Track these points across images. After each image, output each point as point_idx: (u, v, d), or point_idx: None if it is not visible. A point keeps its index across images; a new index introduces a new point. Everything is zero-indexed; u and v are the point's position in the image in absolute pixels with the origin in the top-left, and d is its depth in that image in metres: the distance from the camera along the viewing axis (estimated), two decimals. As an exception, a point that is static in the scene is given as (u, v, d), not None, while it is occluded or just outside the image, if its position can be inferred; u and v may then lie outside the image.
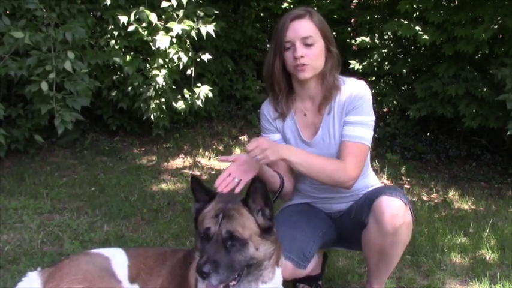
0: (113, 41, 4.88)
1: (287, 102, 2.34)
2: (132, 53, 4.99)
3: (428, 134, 6.25)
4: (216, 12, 5.27)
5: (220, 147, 5.81)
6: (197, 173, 4.94)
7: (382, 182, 4.93)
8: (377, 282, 2.39)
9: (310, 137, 2.34)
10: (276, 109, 2.37)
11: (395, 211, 2.09)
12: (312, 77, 2.25)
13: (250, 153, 2.00)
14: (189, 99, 5.33)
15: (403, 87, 6.34)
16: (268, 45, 6.24)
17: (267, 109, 2.42)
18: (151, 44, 4.86)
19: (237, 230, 1.75)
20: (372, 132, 2.27)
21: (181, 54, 4.98)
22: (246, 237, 1.76)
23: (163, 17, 4.92)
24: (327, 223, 2.44)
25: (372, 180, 2.47)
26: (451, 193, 4.87)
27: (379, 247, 2.18)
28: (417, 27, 5.30)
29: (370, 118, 2.26)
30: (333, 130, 2.29)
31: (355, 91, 2.28)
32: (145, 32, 4.84)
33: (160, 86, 4.99)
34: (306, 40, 2.18)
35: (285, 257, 2.11)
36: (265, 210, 1.84)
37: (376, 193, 2.15)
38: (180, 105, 5.31)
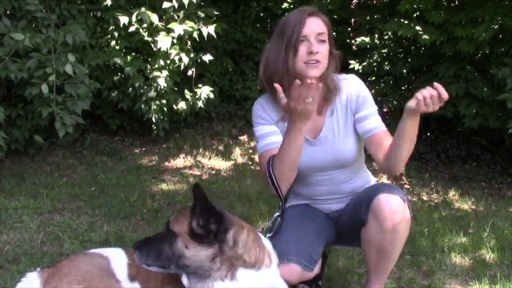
0: (113, 42, 4.88)
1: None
2: (133, 54, 4.99)
3: (428, 134, 6.24)
4: (216, 13, 5.27)
5: (220, 147, 5.81)
6: (197, 173, 4.95)
7: (383, 182, 4.92)
8: (377, 281, 2.39)
9: (311, 136, 2.34)
10: (279, 109, 2.26)
11: (395, 208, 2.09)
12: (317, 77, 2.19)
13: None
14: (190, 100, 5.33)
15: (403, 87, 6.32)
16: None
17: (267, 105, 2.32)
18: (152, 44, 4.86)
19: (172, 221, 1.85)
20: None
21: (182, 55, 4.98)
22: (174, 230, 1.81)
23: (164, 17, 4.92)
24: (328, 223, 2.44)
25: (368, 178, 2.49)
26: (451, 193, 4.87)
27: (379, 244, 2.19)
28: (417, 27, 5.28)
29: (375, 106, 2.34)
30: (337, 128, 2.31)
31: (354, 89, 2.30)
32: (146, 33, 4.84)
33: (162, 87, 4.99)
34: (320, 36, 2.16)
35: (293, 261, 2.11)
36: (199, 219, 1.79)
37: (375, 191, 2.15)
38: (182, 106, 5.31)
